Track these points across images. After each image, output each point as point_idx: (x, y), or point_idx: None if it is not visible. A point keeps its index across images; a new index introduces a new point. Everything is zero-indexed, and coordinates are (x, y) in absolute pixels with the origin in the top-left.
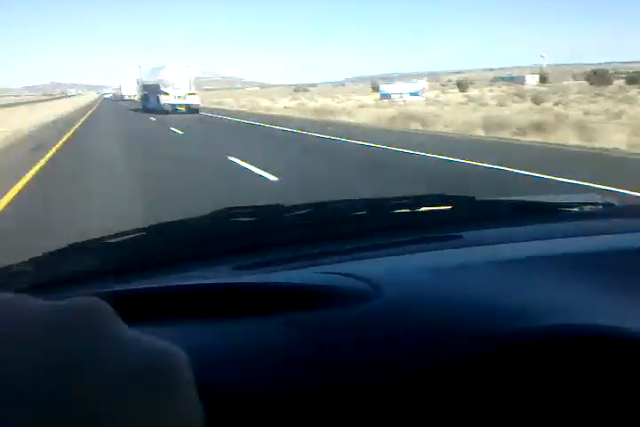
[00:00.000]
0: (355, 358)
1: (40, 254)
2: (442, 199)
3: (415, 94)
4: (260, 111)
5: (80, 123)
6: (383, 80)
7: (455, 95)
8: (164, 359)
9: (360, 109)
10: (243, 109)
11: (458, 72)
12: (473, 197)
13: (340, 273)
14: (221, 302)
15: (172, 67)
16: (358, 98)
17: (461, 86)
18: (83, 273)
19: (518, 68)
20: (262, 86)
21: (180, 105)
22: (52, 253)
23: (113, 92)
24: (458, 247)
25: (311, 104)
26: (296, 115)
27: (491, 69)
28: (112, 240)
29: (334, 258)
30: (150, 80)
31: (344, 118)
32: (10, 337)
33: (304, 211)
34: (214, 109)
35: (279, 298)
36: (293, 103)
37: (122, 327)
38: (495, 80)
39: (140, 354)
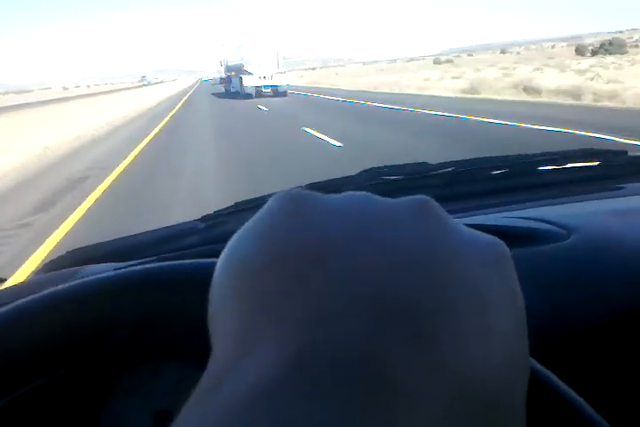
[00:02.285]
0: (569, 287)
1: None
2: (590, 153)
3: None
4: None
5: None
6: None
7: None
8: (497, 249)
9: None
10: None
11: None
12: (625, 151)
13: (530, 218)
14: None
15: (256, 43)
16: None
17: None
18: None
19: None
20: (364, 63)
21: (266, 87)
22: (216, 213)
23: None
24: (629, 195)
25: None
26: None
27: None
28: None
29: (512, 206)
30: (233, 60)
31: None
32: (369, 236)
33: (450, 168)
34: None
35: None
36: (473, 76)
37: (454, 220)
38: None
39: (477, 243)
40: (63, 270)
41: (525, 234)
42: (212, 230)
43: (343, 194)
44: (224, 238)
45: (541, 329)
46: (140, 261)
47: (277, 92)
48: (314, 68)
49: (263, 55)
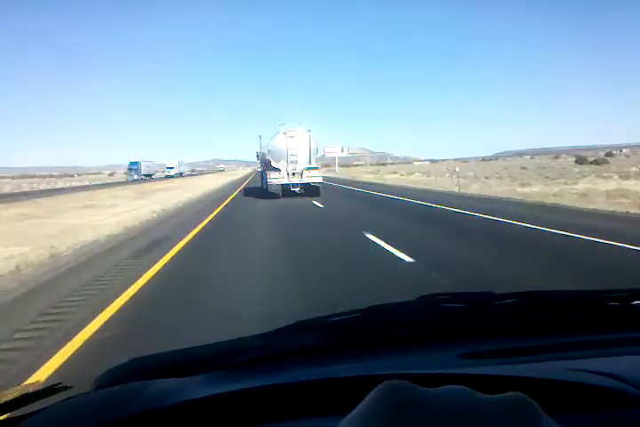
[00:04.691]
0: None
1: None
2: None
3: None
4: None
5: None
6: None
7: None
8: None
9: None
10: None
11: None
12: None
13: (595, 371)
14: None
15: (285, 133)
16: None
17: None
18: (307, 348)
19: None
20: (429, 161)
21: (294, 185)
22: (277, 331)
23: None
24: None
25: None
26: None
27: None
28: (336, 318)
29: (569, 353)
30: (264, 153)
31: None
32: None
33: (513, 300)
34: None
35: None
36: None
37: (548, 420)
38: None
39: None
40: (131, 384)
41: (594, 392)
42: (269, 349)
43: (443, 389)
44: (281, 357)
45: None
46: (199, 377)
47: (309, 189)
48: (382, 165)
49: (292, 148)
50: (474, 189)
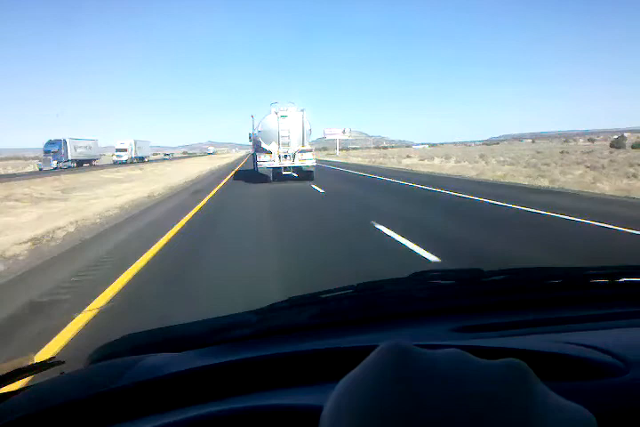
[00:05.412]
0: None
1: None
2: None
3: None
4: None
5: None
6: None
7: None
8: (584, 416)
9: None
10: None
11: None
12: None
13: (580, 344)
14: None
15: (277, 113)
16: None
17: None
18: (301, 324)
19: None
20: (428, 145)
21: (287, 168)
22: (270, 306)
23: None
24: None
25: None
26: None
27: None
28: (329, 295)
29: (557, 327)
30: (255, 134)
31: None
32: (470, 394)
33: (501, 276)
34: None
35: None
36: None
37: (542, 386)
38: None
39: (565, 411)
40: (124, 359)
41: (578, 363)
42: (265, 324)
43: (442, 352)
44: (275, 333)
45: None
46: (195, 351)
47: (301, 173)
48: (382, 147)
49: (284, 128)
50: (589, 184)
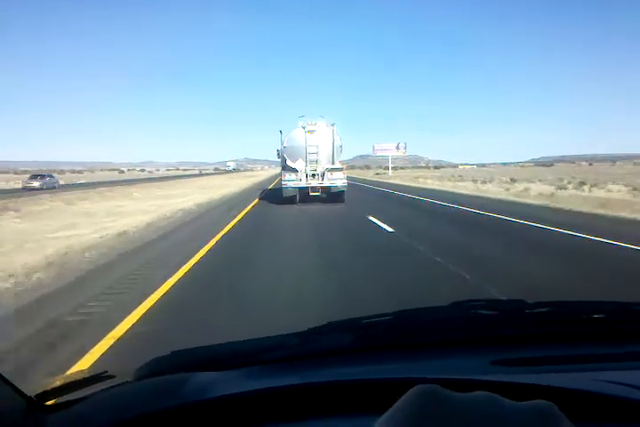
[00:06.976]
0: None
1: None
2: None
3: None
4: None
5: None
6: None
7: None
8: None
9: None
10: None
11: None
12: None
13: (623, 383)
14: None
15: (304, 127)
16: None
17: None
18: (340, 348)
19: None
20: (479, 165)
21: (314, 189)
22: (311, 330)
23: None
24: None
25: None
26: None
27: None
28: (368, 321)
29: (599, 365)
30: (281, 150)
31: None
32: None
33: (545, 309)
34: None
35: (563, 402)
36: None
37: None
38: None
39: None
40: (172, 376)
41: (620, 404)
42: (305, 347)
43: (471, 394)
44: (315, 356)
45: None
46: (238, 370)
47: (329, 194)
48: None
49: (313, 145)
50: None
